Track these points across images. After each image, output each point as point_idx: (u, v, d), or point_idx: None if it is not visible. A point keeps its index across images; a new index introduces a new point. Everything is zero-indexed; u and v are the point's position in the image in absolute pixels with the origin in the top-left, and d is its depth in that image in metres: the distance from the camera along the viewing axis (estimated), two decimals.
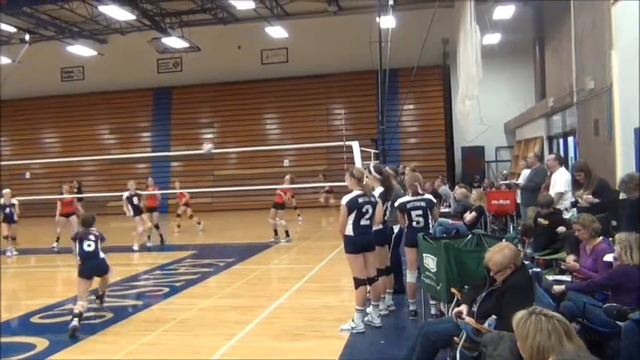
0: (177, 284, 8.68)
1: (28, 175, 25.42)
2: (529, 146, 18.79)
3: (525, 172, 10.83)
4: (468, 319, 4.02)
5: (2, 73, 22.31)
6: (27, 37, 20.75)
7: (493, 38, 18.98)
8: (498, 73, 21.08)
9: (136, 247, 12.42)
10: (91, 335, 6.07)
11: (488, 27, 17.67)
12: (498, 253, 4.13)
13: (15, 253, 12.27)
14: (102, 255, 6.74)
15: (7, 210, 11.49)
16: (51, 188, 23.77)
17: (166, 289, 8.31)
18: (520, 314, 2.89)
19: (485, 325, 3.93)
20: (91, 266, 6.65)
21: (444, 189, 14.67)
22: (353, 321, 5.81)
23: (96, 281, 6.86)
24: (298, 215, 17.82)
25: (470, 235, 5.52)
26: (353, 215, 5.80)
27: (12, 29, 21.18)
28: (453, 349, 4.26)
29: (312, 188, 21.27)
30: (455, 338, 4.12)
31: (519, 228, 9.32)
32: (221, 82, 25.00)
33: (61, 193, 13.15)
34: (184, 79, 25.51)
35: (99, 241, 6.71)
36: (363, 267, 5.87)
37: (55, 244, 12.93)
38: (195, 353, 5.31)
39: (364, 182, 6.01)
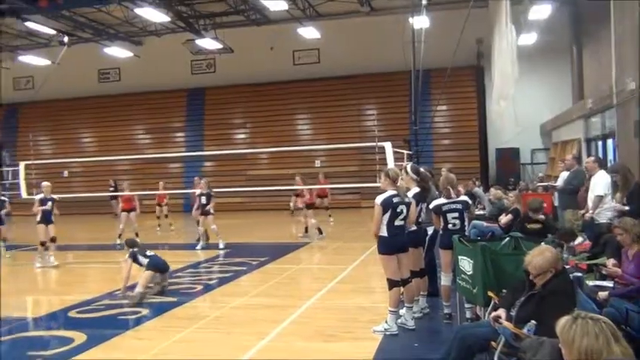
0: (211, 282, 8.77)
1: (66, 173, 26.05)
2: (566, 148, 18.37)
3: (563, 175, 10.59)
4: (506, 323, 3.94)
5: (43, 74, 22.93)
6: (65, 39, 21.25)
7: (529, 38, 18.62)
8: (534, 74, 20.64)
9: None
10: (127, 331, 6.18)
11: (523, 27, 17.38)
12: (538, 257, 4.03)
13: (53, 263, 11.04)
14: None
15: (47, 205, 10.85)
16: (87, 187, 24.37)
17: (200, 287, 8.40)
18: (564, 320, 2.81)
19: (525, 330, 3.84)
20: (155, 264, 7.77)
21: (477, 191, 14.45)
22: (386, 322, 5.76)
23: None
24: (329, 216, 17.81)
25: (507, 238, 5.42)
26: (387, 215, 5.75)
27: (51, 31, 21.72)
28: (490, 353, 4.17)
29: (344, 189, 21.25)
30: (492, 343, 4.03)
31: (557, 231, 9.10)
32: (253, 83, 25.17)
33: (122, 190, 13.42)
34: (217, 80, 25.78)
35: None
36: (396, 268, 5.81)
37: (118, 241, 12.98)
38: (228, 351, 5.33)
39: (398, 183, 5.95)
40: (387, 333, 5.69)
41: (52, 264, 10.78)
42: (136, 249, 8.04)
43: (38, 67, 24.39)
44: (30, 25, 20.10)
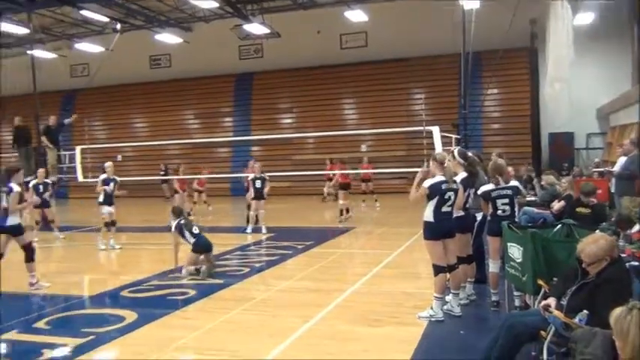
0: (257, 265, 8.88)
1: (119, 157, 26.85)
2: (624, 133, 17.57)
3: (621, 160, 10.14)
4: (556, 312, 3.81)
5: (98, 61, 23.62)
6: (118, 26, 21.75)
7: (585, 18, 17.81)
8: (591, 55, 19.79)
9: (248, 231, 12.63)
10: (176, 311, 6.33)
11: (579, 6, 16.64)
12: (592, 244, 3.87)
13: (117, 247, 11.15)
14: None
15: (110, 185, 10.80)
16: (140, 170, 25.04)
17: (247, 270, 8.52)
18: (619, 310, 2.70)
19: (576, 320, 3.71)
20: (202, 244, 8.07)
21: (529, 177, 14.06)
22: (432, 309, 5.69)
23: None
24: (375, 200, 17.73)
25: (559, 225, 5.23)
26: (434, 201, 5.66)
27: (105, 19, 22.28)
28: (539, 343, 4.05)
29: (391, 174, 21.09)
30: (542, 332, 3.91)
31: (614, 218, 8.74)
32: (300, 68, 25.17)
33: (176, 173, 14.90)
34: (265, 65, 25.91)
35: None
36: (442, 254, 5.72)
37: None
38: (272, 333, 5.39)
39: (445, 166, 5.83)
40: (433, 319, 5.62)
41: (114, 247, 10.87)
42: (182, 220, 8.25)
43: (93, 54, 25.13)
44: (85, 13, 20.69)
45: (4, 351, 5.27)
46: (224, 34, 23.53)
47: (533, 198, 11.13)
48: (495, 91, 23.28)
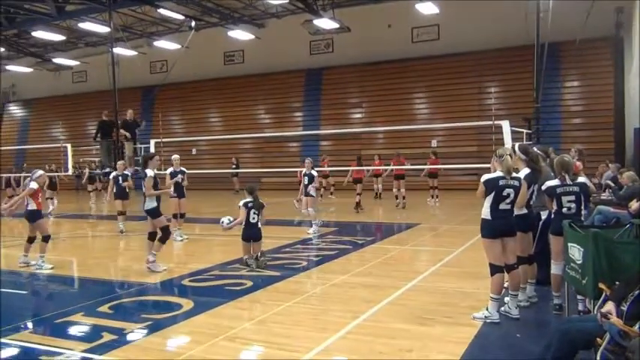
0: (315, 259, 8.90)
1: (194, 151, 27.81)
2: None
3: None
4: (614, 319, 3.54)
5: (175, 58, 24.52)
6: (193, 23, 22.50)
7: None
8: None
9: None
10: (231, 301, 6.44)
11: None
12: None
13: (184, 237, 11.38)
14: (259, 225, 8.29)
15: (177, 177, 11.00)
16: (213, 164, 25.83)
17: (304, 263, 8.57)
18: None
19: (636, 328, 3.43)
20: (250, 233, 8.22)
21: (608, 174, 13.22)
22: (487, 310, 5.47)
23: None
24: (433, 197, 17.33)
25: (628, 225, 4.87)
26: (491, 197, 5.44)
27: (181, 17, 23.11)
28: (596, 351, 3.79)
29: (460, 170, 20.55)
30: (598, 339, 3.65)
31: None
32: (370, 62, 25.00)
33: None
34: (335, 60, 25.95)
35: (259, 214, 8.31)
36: (499, 253, 5.49)
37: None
38: (322, 328, 5.36)
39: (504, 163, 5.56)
40: (488, 320, 5.40)
41: (177, 239, 11.07)
42: (250, 201, 8.27)
43: (171, 51, 26.15)
44: (162, 11, 21.54)
45: (71, 332, 5.57)
46: (295, 30, 23.77)
47: (610, 197, 10.47)
48: (576, 83, 22.15)
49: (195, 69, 27.74)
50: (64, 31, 26.13)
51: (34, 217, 8.69)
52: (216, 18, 25.32)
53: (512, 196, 5.49)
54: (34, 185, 8.66)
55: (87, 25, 22.77)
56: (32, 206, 8.63)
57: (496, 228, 5.47)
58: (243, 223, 8.24)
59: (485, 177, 5.54)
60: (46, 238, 8.76)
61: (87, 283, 8.22)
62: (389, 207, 16.95)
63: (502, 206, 5.47)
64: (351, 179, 17.11)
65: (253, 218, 8.27)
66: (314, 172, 11.98)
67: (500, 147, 7.11)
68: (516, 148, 6.08)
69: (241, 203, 8.38)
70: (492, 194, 5.42)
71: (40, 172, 9.05)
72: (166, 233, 8.28)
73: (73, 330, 5.60)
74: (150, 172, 8.24)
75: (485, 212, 5.50)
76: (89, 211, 19.07)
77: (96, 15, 22.83)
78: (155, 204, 8.26)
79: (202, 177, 22.00)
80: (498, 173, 5.51)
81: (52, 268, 8.60)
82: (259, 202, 8.35)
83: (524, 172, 5.92)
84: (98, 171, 20.56)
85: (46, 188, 15.57)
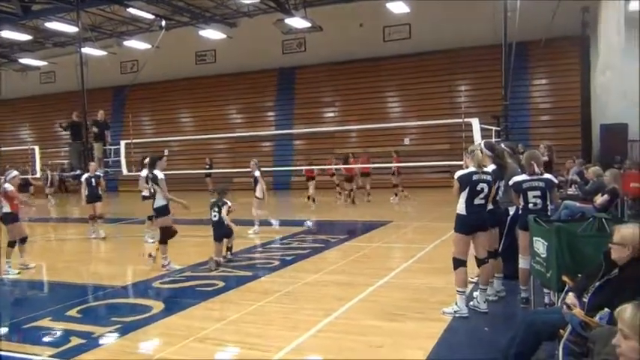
0: (288, 258, 8.89)
1: (166, 152, 27.47)
2: None
3: None
4: (576, 310, 3.62)
5: (146, 58, 24.22)
6: (163, 23, 22.25)
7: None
8: None
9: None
10: (202, 302, 6.41)
11: None
12: (630, 228, 3.66)
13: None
14: (226, 222, 8.41)
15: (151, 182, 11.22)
16: (186, 164, 25.60)
17: (277, 263, 8.55)
18: (631, 308, 2.55)
19: (597, 318, 3.52)
20: (218, 233, 8.41)
21: (575, 170, 13.53)
22: (456, 304, 5.55)
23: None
24: (396, 195, 17.61)
25: (590, 219, 4.99)
26: (466, 193, 5.54)
27: (151, 16, 22.82)
28: (559, 342, 3.87)
29: (432, 167, 20.77)
30: (561, 331, 3.73)
31: None
32: (343, 61, 25.06)
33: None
34: (307, 59, 25.95)
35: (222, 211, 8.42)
36: (467, 248, 5.61)
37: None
38: (294, 327, 5.37)
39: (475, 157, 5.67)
40: (457, 315, 5.48)
41: (149, 241, 11.03)
42: (221, 201, 8.54)
43: (141, 51, 25.81)
44: (132, 10, 21.24)
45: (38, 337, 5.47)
46: (267, 29, 23.67)
47: (576, 192, 10.71)
48: (543, 81, 22.57)
49: (166, 69, 27.44)
50: (31, 30, 25.58)
51: (8, 219, 8.53)
52: (187, 17, 25.07)
53: (485, 190, 5.59)
54: (8, 187, 8.53)
55: (54, 25, 22.33)
56: (7, 209, 8.50)
57: (471, 224, 5.57)
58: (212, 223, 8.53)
59: (458, 173, 5.64)
60: (12, 244, 8.58)
61: (55, 287, 8.07)
62: (361, 205, 17.02)
63: (477, 201, 5.56)
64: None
65: (215, 216, 8.46)
66: (257, 174, 11.70)
67: (472, 144, 7.22)
68: (482, 145, 6.18)
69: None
70: (467, 190, 5.51)
71: (15, 172, 8.92)
72: (166, 233, 8.35)
73: (41, 335, 5.49)
74: (160, 174, 8.27)
75: (461, 208, 5.59)
76: (55, 214, 18.72)
77: (63, 14, 22.40)
78: (165, 202, 8.34)
79: (175, 178, 21.74)
80: (471, 169, 5.61)
81: (18, 274, 8.45)
82: (219, 200, 8.59)
83: (490, 168, 6.02)
84: (67, 174, 20.19)
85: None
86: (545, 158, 9.01)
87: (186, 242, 11.45)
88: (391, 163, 17.72)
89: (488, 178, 5.63)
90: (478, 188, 5.55)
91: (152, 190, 8.48)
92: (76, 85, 19.48)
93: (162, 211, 8.33)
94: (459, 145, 18.56)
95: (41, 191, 22.47)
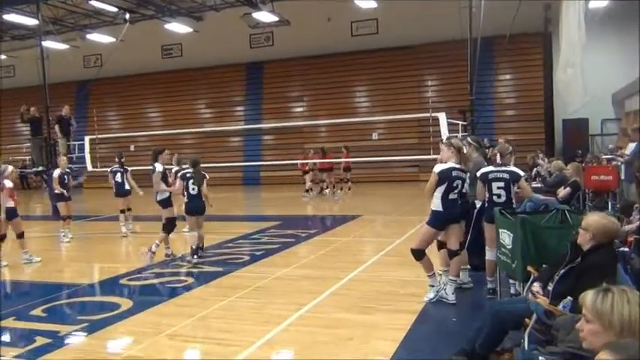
0: (258, 253, 8.86)
1: (132, 147, 27.03)
2: (638, 119, 17.20)
3: (631, 146, 9.94)
4: (540, 298, 3.72)
5: (110, 51, 23.72)
6: (127, 16, 21.82)
7: (600, 2, 17.42)
8: (606, 40, 19.39)
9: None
10: (171, 298, 6.36)
11: None
12: (596, 216, 3.80)
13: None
14: (202, 197, 8.17)
15: (117, 176, 11.45)
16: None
17: (246, 258, 8.52)
18: (593, 293, 2.63)
19: (560, 307, 3.62)
20: (192, 206, 8.13)
21: (539, 162, 13.87)
22: (432, 286, 5.79)
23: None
24: (341, 189, 17.91)
25: (554, 211, 5.12)
26: (442, 188, 5.63)
27: (114, 9, 22.35)
28: (525, 330, 3.98)
29: (401, 162, 20.97)
30: (527, 320, 3.83)
31: (618, 206, 8.59)
32: (311, 56, 25.04)
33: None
34: (275, 54, 25.82)
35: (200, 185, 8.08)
36: (431, 242, 5.85)
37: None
38: (265, 321, 5.37)
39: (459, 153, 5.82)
40: (439, 294, 5.71)
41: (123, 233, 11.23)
42: (189, 171, 8.18)
43: (105, 44, 25.27)
44: (94, 3, 20.77)
45: (2, 338, 5.33)
46: (234, 23, 23.50)
47: (539, 185, 10.96)
48: (508, 77, 22.99)
49: (131, 63, 26.93)
50: None
51: (11, 215, 8.57)
52: (152, 10, 24.60)
53: (459, 186, 5.71)
54: (8, 183, 8.54)
55: (13, 17, 21.64)
56: (11, 204, 8.53)
57: (445, 218, 5.70)
58: (186, 196, 8.18)
59: (438, 167, 5.69)
60: (21, 235, 8.74)
61: (19, 286, 7.90)
62: (330, 200, 17.09)
63: (451, 196, 5.67)
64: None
65: (193, 189, 8.13)
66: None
67: (453, 137, 7.33)
68: (444, 140, 6.28)
69: (175, 170, 8.70)
70: (444, 185, 5.59)
71: (10, 167, 8.90)
72: (171, 224, 8.46)
73: (4, 335, 5.36)
74: (159, 167, 8.44)
75: (437, 203, 5.67)
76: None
77: (22, 6, 21.73)
78: (167, 195, 8.51)
79: (142, 174, 21.43)
80: (451, 164, 5.69)
81: (40, 261, 8.75)
82: (200, 174, 8.17)
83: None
84: (28, 170, 19.66)
85: None
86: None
87: (152, 239, 11.32)
88: (345, 158, 17.82)
89: (463, 175, 5.75)
90: (454, 184, 5.66)
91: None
92: (37, 80, 18.97)
93: (166, 202, 8.48)
94: (427, 140, 18.82)
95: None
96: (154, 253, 8.35)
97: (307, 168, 17.47)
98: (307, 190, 17.42)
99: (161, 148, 9.14)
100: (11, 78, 31.11)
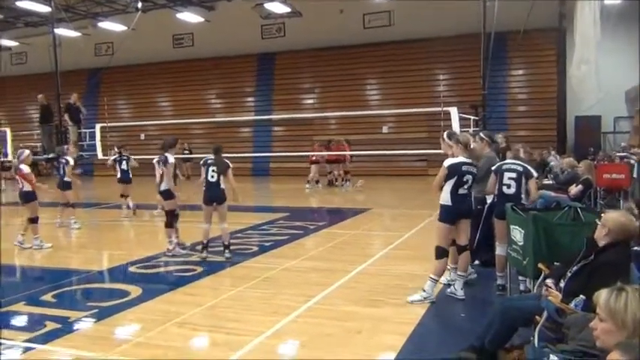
0: (267, 244, 8.88)
1: (143, 136, 27.12)
2: None
3: None
4: (553, 295, 3.69)
5: (120, 40, 23.74)
6: (139, 4, 21.82)
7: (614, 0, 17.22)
8: (620, 37, 19.14)
9: None
10: (181, 287, 6.38)
11: None
12: (616, 214, 3.81)
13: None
14: (222, 186, 7.72)
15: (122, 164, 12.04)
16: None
17: (255, 249, 8.54)
18: (606, 292, 2.61)
19: (572, 305, 3.59)
20: (211, 194, 7.68)
21: (551, 159, 13.78)
22: (424, 290, 5.61)
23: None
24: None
25: (566, 208, 5.08)
26: (452, 182, 5.58)
27: None
28: (534, 328, 3.95)
29: (411, 156, 20.91)
30: (537, 317, 3.81)
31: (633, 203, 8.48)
32: (323, 48, 24.94)
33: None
34: (287, 45, 25.75)
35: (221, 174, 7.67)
36: (450, 238, 5.71)
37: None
38: (273, 312, 5.38)
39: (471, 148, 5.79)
40: (427, 301, 5.54)
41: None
42: (210, 158, 7.78)
43: (117, 33, 25.29)
44: None
45: (12, 322, 5.38)
46: (246, 13, 23.44)
47: (551, 182, 10.90)
48: (521, 72, 22.81)
49: (142, 52, 26.96)
50: (1, 9, 24.83)
51: (27, 197, 8.75)
52: None
53: (470, 181, 5.67)
54: (24, 168, 8.69)
55: (26, 4, 21.71)
56: (27, 187, 8.69)
57: (455, 213, 5.64)
58: (204, 184, 7.77)
59: (448, 162, 5.66)
60: (34, 220, 8.80)
61: (29, 271, 7.96)
62: (340, 192, 17.07)
63: (460, 191, 5.62)
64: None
65: (212, 177, 7.68)
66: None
67: (459, 133, 7.26)
68: (445, 136, 6.23)
69: (156, 160, 8.44)
70: (454, 179, 5.56)
71: (27, 152, 9.03)
72: (172, 216, 8.26)
73: (14, 320, 5.41)
74: (171, 158, 8.19)
75: (446, 198, 5.62)
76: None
77: None
78: (168, 186, 8.27)
79: (152, 163, 21.48)
80: (461, 158, 5.65)
81: (51, 247, 8.86)
82: (223, 162, 7.76)
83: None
84: (39, 157, 19.74)
85: None
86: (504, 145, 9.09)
87: (162, 228, 11.36)
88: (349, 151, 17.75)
89: (474, 170, 5.71)
90: (464, 179, 5.62)
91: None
92: (49, 67, 19.07)
93: (169, 194, 8.28)
94: (437, 134, 18.74)
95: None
96: (179, 244, 8.19)
97: (314, 159, 17.43)
98: (309, 182, 17.39)
99: (174, 139, 8.91)
100: (23, 65, 31.26)
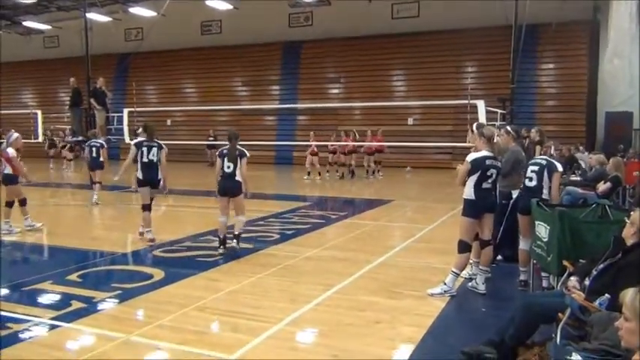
0: (288, 232, 8.92)
1: (169, 122, 27.41)
2: None
3: None
4: (576, 293, 3.64)
5: (149, 25, 23.90)
6: None
7: None
8: None
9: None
10: (202, 272, 6.44)
11: None
12: None
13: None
14: (238, 177, 7.18)
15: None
16: (188, 135, 25.50)
17: (277, 236, 8.58)
18: (632, 291, 2.57)
19: (596, 303, 3.54)
20: (224, 186, 7.24)
21: (579, 156, 13.52)
22: (445, 284, 5.57)
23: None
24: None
25: (594, 205, 4.99)
26: (475, 177, 5.51)
27: None
28: (557, 325, 3.90)
29: (435, 148, 20.72)
30: (560, 314, 3.76)
31: None
32: (349, 37, 24.80)
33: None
34: (314, 34, 25.67)
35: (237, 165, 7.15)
36: (474, 233, 5.64)
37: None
38: (293, 299, 5.41)
39: (494, 142, 5.71)
40: (447, 295, 5.51)
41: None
42: (225, 148, 7.22)
43: (147, 18, 25.51)
44: None
45: (39, 300, 5.51)
46: (274, 2, 23.46)
47: (578, 178, 10.70)
48: (551, 66, 22.38)
49: (171, 38, 27.16)
50: None
51: (8, 180, 8.72)
52: None
53: (494, 176, 5.61)
54: (11, 151, 8.67)
55: None
56: (8, 170, 8.67)
57: (479, 207, 5.58)
58: (220, 174, 7.23)
59: (471, 156, 5.61)
60: (9, 204, 8.81)
61: (56, 251, 8.12)
62: (362, 183, 17.04)
63: (484, 185, 5.56)
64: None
65: (228, 167, 7.13)
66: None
67: (483, 127, 7.16)
68: (474, 128, 6.15)
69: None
70: (477, 174, 5.49)
71: (16, 134, 9.05)
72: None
73: (41, 298, 5.54)
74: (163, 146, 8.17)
75: (469, 192, 5.56)
76: (61, 180, 18.74)
77: None
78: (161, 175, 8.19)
79: (177, 148, 21.72)
80: (484, 153, 5.58)
81: (42, 225, 9.01)
82: (236, 150, 7.15)
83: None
84: (70, 139, 20.12)
85: None
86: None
87: (184, 213, 11.55)
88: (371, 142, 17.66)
89: (498, 164, 5.64)
90: (488, 173, 5.55)
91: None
92: (80, 51, 19.35)
93: (158, 183, 8.19)
94: (463, 127, 18.53)
95: (41, 155, 22.45)
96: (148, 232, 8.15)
97: (315, 151, 17.51)
98: (312, 174, 17.44)
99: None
100: (56, 48, 31.77)
